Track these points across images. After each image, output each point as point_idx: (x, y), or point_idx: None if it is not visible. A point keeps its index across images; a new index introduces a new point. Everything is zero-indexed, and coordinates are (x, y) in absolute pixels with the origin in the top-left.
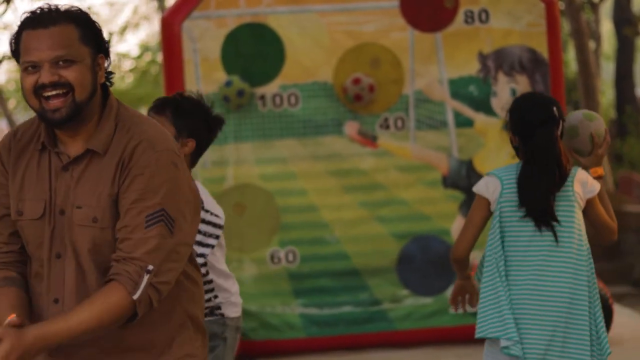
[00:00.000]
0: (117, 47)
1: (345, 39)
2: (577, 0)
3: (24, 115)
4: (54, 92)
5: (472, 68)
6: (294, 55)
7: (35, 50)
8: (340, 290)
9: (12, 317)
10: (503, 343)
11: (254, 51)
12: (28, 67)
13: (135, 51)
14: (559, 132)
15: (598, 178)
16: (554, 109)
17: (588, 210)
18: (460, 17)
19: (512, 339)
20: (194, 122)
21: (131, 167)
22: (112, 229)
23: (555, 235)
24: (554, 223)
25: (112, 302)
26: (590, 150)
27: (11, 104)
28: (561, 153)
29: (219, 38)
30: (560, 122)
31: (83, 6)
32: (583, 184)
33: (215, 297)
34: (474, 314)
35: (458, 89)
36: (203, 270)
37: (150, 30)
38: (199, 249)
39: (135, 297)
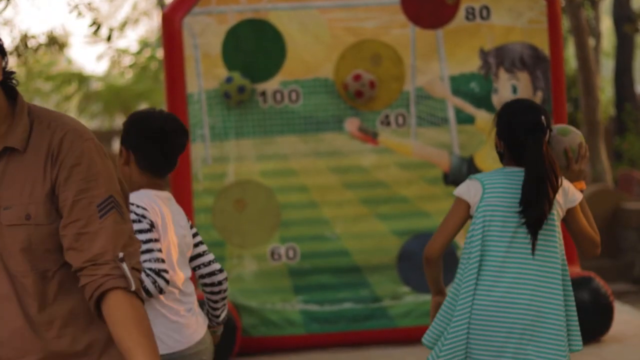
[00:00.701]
0: (117, 43)
1: (346, 35)
2: None
3: None
4: None
5: (473, 65)
6: (294, 51)
7: None
8: (341, 287)
9: None
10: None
11: (255, 47)
12: None
13: (134, 47)
14: (546, 140)
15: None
16: (542, 117)
17: (569, 220)
18: (461, 13)
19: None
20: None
21: (63, 159)
22: (47, 226)
23: (534, 243)
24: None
25: (134, 311)
26: (566, 165)
27: None
28: (553, 160)
29: (220, 34)
30: (548, 131)
31: (83, 1)
32: (565, 192)
33: None
34: None
35: (459, 85)
36: None
37: (149, 26)
38: None
39: (132, 289)
